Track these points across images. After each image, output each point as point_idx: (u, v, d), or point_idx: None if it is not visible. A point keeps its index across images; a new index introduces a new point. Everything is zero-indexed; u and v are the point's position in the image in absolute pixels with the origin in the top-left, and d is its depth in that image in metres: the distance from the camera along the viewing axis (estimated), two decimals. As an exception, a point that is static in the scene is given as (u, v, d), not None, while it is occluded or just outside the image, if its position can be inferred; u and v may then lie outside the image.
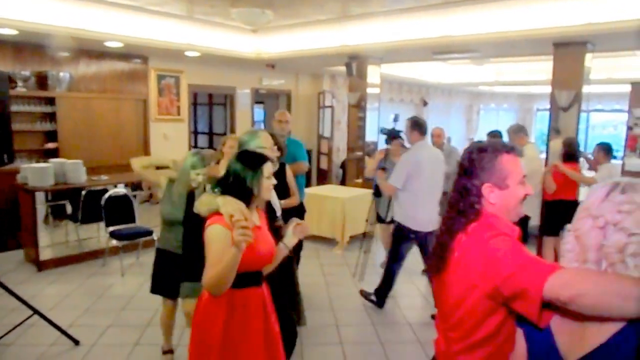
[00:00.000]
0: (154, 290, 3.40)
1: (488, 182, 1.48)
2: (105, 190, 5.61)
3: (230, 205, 1.96)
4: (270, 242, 2.18)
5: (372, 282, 4.93)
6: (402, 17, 6.26)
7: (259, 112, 11.34)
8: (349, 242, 6.44)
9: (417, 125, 4.27)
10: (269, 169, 2.12)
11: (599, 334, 1.15)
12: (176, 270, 3.13)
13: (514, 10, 5.44)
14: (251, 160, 2.11)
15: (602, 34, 5.11)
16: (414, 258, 4.75)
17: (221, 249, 1.90)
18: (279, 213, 2.78)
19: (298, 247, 4.18)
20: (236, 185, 2.05)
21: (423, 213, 4.13)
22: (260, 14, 5.88)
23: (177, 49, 7.07)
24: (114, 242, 5.38)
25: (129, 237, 5.47)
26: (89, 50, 7.08)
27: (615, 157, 14.53)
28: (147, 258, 5.77)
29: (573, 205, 4.99)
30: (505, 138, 5.61)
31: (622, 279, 1.11)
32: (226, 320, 2.01)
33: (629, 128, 6.27)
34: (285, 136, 4.35)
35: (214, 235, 1.96)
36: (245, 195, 2.05)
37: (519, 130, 5.40)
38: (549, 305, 1.21)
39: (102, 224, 5.58)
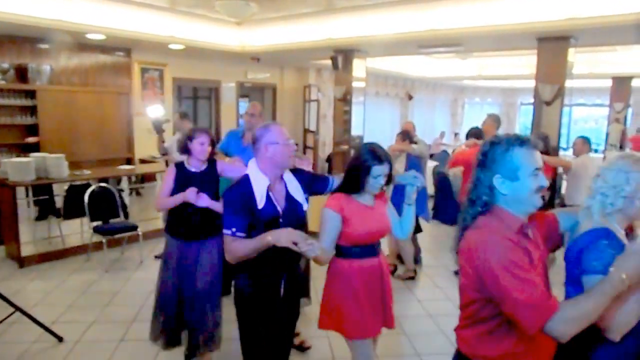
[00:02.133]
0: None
1: (498, 174, 1.56)
2: (89, 185, 5.53)
3: (282, 237, 2.01)
4: (385, 220, 2.48)
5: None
6: (387, 10, 6.26)
7: (244, 105, 11.26)
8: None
9: None
10: (380, 170, 2.32)
11: None
12: None
13: (498, 4, 5.47)
14: (376, 154, 2.33)
15: (584, 28, 5.16)
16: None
17: (330, 229, 2.37)
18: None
19: None
20: (349, 174, 2.39)
21: None
22: (244, 6, 5.82)
23: (161, 41, 6.98)
24: (98, 238, 5.31)
25: (113, 232, 5.41)
26: (71, 42, 6.95)
27: (596, 151, 14.79)
28: (132, 253, 5.74)
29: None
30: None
31: (589, 300, 1.38)
32: (351, 283, 2.38)
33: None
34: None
35: (325, 218, 2.38)
36: (353, 185, 2.37)
37: (496, 120, 5.46)
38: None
39: (85, 219, 5.51)
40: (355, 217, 2.35)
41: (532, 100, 6.15)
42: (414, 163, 5.13)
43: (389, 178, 2.38)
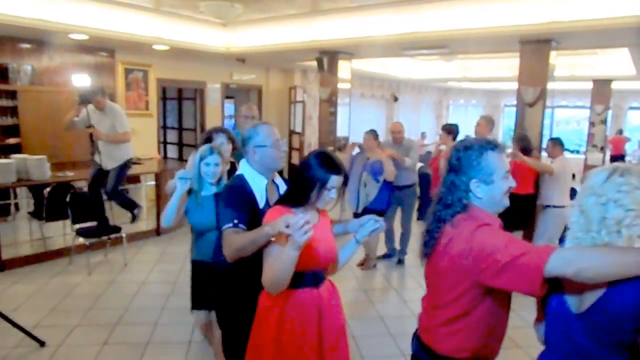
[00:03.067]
0: (196, 306, 2.98)
1: (475, 178, 1.62)
2: (71, 187, 5.46)
3: (278, 222, 1.77)
4: (330, 242, 2.06)
5: (343, 277, 4.96)
6: (372, 12, 6.29)
7: (229, 107, 11.24)
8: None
9: None
10: (337, 181, 1.97)
11: (591, 295, 1.40)
12: (206, 282, 2.84)
13: (481, 7, 5.53)
14: (328, 160, 1.97)
15: (565, 32, 5.25)
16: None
17: (280, 248, 1.84)
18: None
19: None
20: (299, 185, 1.97)
21: None
22: (229, 7, 5.81)
23: (145, 42, 6.93)
24: (81, 240, 5.25)
25: (96, 235, 5.35)
26: (53, 42, 6.86)
27: (577, 152, 15.00)
28: (115, 256, 5.68)
29: (528, 199, 5.16)
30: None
31: (612, 250, 1.35)
32: (279, 320, 1.95)
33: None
34: None
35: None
36: (301, 198, 1.96)
37: (490, 122, 5.61)
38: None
39: (68, 222, 5.44)
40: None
41: (515, 102, 6.24)
42: (374, 167, 5.15)
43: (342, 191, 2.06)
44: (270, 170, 2.24)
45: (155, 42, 6.99)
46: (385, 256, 5.85)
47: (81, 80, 5.32)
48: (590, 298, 1.39)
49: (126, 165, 5.60)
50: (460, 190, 1.63)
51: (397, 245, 5.81)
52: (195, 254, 2.95)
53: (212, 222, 2.68)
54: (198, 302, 2.96)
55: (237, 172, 2.26)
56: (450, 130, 5.65)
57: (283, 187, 2.30)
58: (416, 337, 1.83)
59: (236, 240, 1.99)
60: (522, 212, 5.07)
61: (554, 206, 4.95)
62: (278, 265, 1.79)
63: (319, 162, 1.94)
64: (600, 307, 1.37)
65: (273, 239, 1.86)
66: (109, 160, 5.48)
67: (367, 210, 5.12)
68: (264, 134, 2.20)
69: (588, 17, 4.93)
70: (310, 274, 1.98)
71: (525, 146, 5.19)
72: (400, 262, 5.71)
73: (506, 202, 1.65)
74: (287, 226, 1.69)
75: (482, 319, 1.62)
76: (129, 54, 7.96)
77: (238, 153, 3.47)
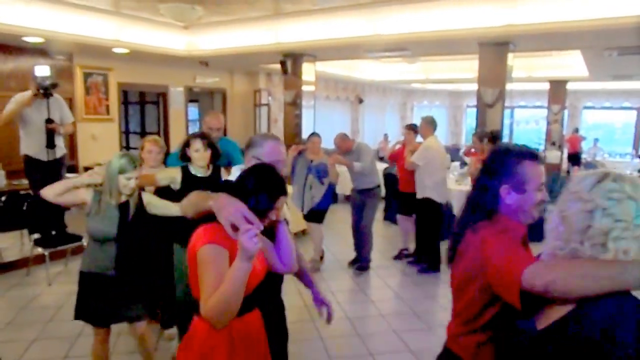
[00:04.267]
0: (80, 317, 2.87)
1: (506, 184, 1.55)
2: (28, 195, 5.27)
3: (227, 208, 1.57)
4: (262, 257, 1.80)
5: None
6: (334, 15, 6.34)
7: (193, 110, 11.09)
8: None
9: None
10: (282, 201, 1.77)
11: (557, 312, 1.26)
12: (109, 294, 2.75)
13: (441, 11, 5.65)
14: (271, 183, 1.73)
15: (521, 34, 5.42)
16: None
17: (221, 270, 1.57)
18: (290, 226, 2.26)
19: None
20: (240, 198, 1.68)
21: None
22: (190, 9, 5.75)
23: (104, 45, 6.77)
24: (39, 250, 5.07)
25: (56, 244, 5.17)
26: (6, 45, 6.62)
27: (537, 150, 15.52)
28: (76, 265, 5.48)
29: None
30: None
31: (586, 262, 1.20)
32: (229, 356, 1.71)
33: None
34: (217, 142, 3.88)
35: (210, 256, 1.60)
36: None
37: (430, 122, 5.72)
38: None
39: (25, 231, 5.25)
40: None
41: (476, 103, 6.39)
42: (319, 170, 5.18)
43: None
44: None
45: (115, 45, 6.84)
46: (354, 261, 5.65)
47: (41, 71, 5.14)
48: (556, 314, 1.25)
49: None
50: (488, 194, 1.57)
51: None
52: (88, 265, 2.80)
53: (113, 232, 2.70)
54: (85, 315, 2.86)
55: (229, 178, 2.23)
56: (414, 128, 5.82)
57: None
58: (445, 347, 1.77)
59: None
60: None
61: None
62: (228, 287, 1.52)
63: (261, 187, 1.70)
64: (563, 325, 1.22)
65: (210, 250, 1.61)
66: (60, 150, 5.46)
67: (312, 211, 5.31)
68: (267, 149, 2.12)
69: (542, 21, 5.10)
70: (247, 296, 1.63)
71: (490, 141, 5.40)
72: (362, 268, 5.51)
73: (535, 215, 1.57)
74: (234, 228, 1.51)
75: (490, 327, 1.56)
76: (88, 58, 7.76)
77: (220, 161, 3.43)
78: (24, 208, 5.03)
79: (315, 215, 5.39)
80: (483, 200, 1.57)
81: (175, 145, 3.99)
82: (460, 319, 1.64)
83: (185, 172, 3.21)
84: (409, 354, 3.71)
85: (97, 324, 2.89)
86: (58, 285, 5.00)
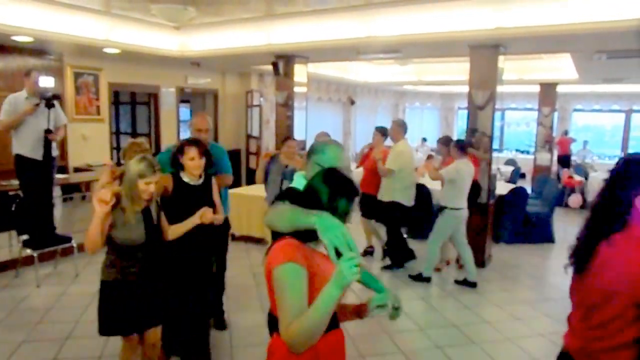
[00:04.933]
0: (107, 332, 2.74)
1: None
2: (17, 196, 5.22)
3: (334, 230, 1.43)
4: None
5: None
6: (326, 16, 6.34)
7: (185, 111, 11.05)
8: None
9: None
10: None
11: None
12: (139, 300, 2.68)
13: (433, 13, 5.67)
14: (343, 186, 1.67)
15: (511, 37, 5.45)
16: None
17: (302, 292, 1.50)
18: None
19: (223, 249, 4.05)
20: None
21: None
22: (182, 10, 5.72)
23: (95, 45, 6.71)
24: (28, 252, 5.02)
25: (45, 245, 5.13)
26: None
27: (528, 152, 15.51)
28: (66, 266, 5.47)
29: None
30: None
31: None
32: None
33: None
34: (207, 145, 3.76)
35: (289, 277, 1.51)
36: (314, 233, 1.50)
37: (401, 125, 5.82)
38: None
39: (14, 232, 5.20)
40: (320, 275, 1.59)
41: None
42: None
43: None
44: None
45: (106, 45, 6.79)
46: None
47: (46, 82, 5.42)
48: None
49: None
50: (622, 205, 1.51)
51: None
52: (114, 274, 2.67)
53: (142, 239, 2.64)
54: (113, 327, 2.72)
55: (291, 185, 2.16)
56: (383, 131, 5.91)
57: None
58: (566, 356, 1.71)
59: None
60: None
61: (451, 208, 5.14)
62: (312, 313, 1.42)
63: (338, 192, 1.65)
64: None
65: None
66: (53, 151, 5.53)
67: None
68: (330, 155, 2.09)
69: (532, 24, 5.14)
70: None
71: (449, 149, 5.54)
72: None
73: None
74: (338, 253, 1.39)
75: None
76: (79, 58, 7.70)
77: (212, 169, 3.31)
78: (13, 209, 4.98)
79: None
80: (615, 211, 1.52)
81: (164, 146, 3.94)
82: (598, 332, 1.57)
83: (177, 180, 3.08)
84: (400, 355, 3.73)
85: (130, 333, 2.77)
86: (47, 286, 4.96)
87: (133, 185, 2.56)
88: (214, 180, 3.29)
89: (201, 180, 3.15)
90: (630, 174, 1.53)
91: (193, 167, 3.04)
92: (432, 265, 5.40)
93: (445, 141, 5.96)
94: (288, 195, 1.84)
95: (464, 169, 5.11)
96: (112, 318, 2.68)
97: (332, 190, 1.64)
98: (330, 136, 5.27)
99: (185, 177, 3.10)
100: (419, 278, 5.38)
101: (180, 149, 3.07)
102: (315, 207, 1.60)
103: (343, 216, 1.63)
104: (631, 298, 1.45)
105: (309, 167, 2.13)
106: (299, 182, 2.17)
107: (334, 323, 1.68)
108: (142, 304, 2.70)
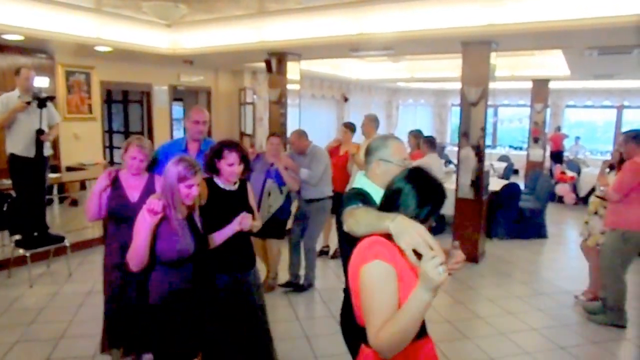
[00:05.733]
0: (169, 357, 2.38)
1: None
2: (9, 195, 5.19)
3: (410, 232, 1.37)
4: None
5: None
6: (318, 14, 6.33)
7: (178, 109, 11.01)
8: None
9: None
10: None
11: None
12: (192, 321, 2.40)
13: (425, 10, 5.68)
14: (429, 188, 1.59)
15: (503, 34, 5.47)
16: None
17: (392, 294, 1.43)
18: None
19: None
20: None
21: None
22: (173, 8, 5.70)
23: (86, 43, 6.67)
24: (21, 251, 5.00)
25: (37, 245, 5.10)
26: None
27: (521, 148, 15.58)
28: (59, 266, 5.45)
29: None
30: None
31: None
32: None
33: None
34: (202, 139, 3.60)
35: (378, 277, 1.45)
36: None
37: (374, 120, 5.80)
38: None
39: (6, 232, 5.17)
40: (406, 276, 1.50)
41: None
42: (279, 175, 4.64)
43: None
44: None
45: (97, 43, 6.75)
46: (288, 285, 4.97)
47: (41, 82, 5.48)
48: None
49: None
50: None
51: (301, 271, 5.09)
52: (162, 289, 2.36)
53: (191, 249, 2.36)
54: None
55: (355, 186, 2.06)
56: (351, 127, 5.98)
57: None
58: None
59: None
60: None
61: None
62: (401, 318, 1.36)
63: (426, 196, 1.57)
64: None
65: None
66: (47, 150, 5.50)
67: (270, 222, 4.54)
68: (393, 149, 2.04)
69: (523, 21, 5.17)
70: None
71: (418, 142, 5.74)
72: (304, 289, 4.95)
73: None
74: (416, 253, 1.32)
75: None
76: (70, 56, 7.64)
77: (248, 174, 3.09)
78: (4, 208, 4.95)
79: (274, 227, 4.65)
80: None
81: (158, 145, 3.88)
82: None
83: (212, 186, 2.82)
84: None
85: (193, 355, 2.44)
86: (40, 286, 4.94)
87: (174, 189, 2.29)
88: (249, 185, 3.04)
89: (237, 185, 2.89)
90: None
91: (232, 174, 2.77)
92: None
93: (416, 134, 5.98)
94: (357, 196, 1.79)
95: (433, 164, 5.16)
96: (170, 340, 2.34)
97: (420, 195, 1.56)
98: (307, 134, 5.06)
99: (221, 183, 2.84)
100: None
101: (218, 152, 2.77)
102: (396, 210, 1.53)
103: (426, 219, 1.57)
104: None
105: (374, 166, 2.05)
106: (360, 181, 2.09)
107: (423, 331, 1.61)
108: (196, 325, 2.40)
